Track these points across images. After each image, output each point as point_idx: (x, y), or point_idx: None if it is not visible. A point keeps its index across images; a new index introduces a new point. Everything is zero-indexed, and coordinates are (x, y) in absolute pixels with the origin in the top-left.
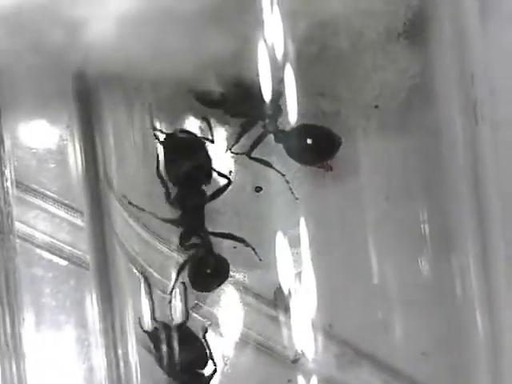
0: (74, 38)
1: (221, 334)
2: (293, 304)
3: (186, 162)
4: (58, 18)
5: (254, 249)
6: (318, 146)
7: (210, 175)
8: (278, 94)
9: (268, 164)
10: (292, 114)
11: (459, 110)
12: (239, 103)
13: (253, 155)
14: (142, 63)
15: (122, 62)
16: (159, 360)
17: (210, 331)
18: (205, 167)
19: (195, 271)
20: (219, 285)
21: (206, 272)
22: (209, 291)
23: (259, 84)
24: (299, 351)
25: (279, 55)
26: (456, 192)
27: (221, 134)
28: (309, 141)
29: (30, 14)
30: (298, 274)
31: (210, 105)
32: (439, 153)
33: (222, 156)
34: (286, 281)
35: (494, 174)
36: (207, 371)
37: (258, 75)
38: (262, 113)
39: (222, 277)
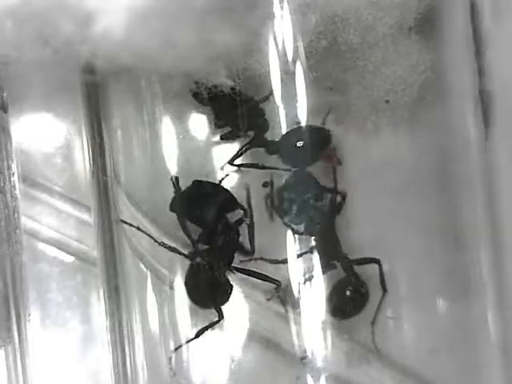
0: (83, 31)
1: (229, 331)
2: (302, 301)
3: (211, 208)
4: (67, 10)
5: (280, 297)
6: (309, 145)
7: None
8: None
9: (257, 166)
10: (301, 109)
11: (471, 105)
12: (227, 113)
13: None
14: (151, 56)
15: (131, 55)
16: None
17: (217, 329)
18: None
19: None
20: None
21: (206, 289)
22: (202, 308)
23: (250, 97)
24: (308, 348)
25: (289, 49)
26: (468, 187)
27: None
28: (299, 143)
29: (39, 6)
30: (308, 271)
31: (210, 104)
32: (451, 148)
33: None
34: (296, 277)
35: (507, 169)
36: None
37: (267, 69)
38: (250, 126)
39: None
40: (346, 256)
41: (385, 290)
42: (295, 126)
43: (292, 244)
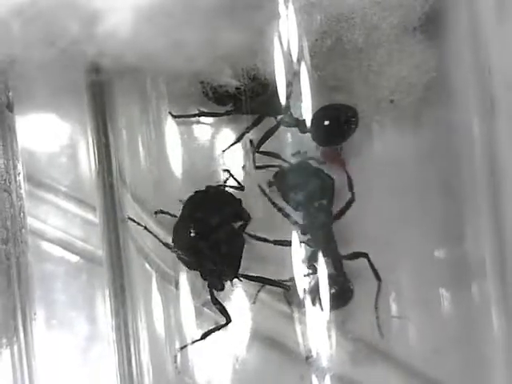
0: (89, 30)
1: (233, 330)
2: (306, 300)
3: (217, 216)
4: (73, 10)
5: (285, 297)
6: (342, 123)
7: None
8: (291, 87)
9: (278, 156)
10: (306, 108)
11: (475, 105)
12: (256, 99)
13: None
14: (157, 55)
15: (137, 55)
16: None
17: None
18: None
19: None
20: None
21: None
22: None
23: (275, 78)
24: (312, 348)
25: (294, 49)
26: (472, 187)
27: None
28: (329, 122)
29: (46, 6)
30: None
31: (219, 102)
32: (455, 148)
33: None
34: (300, 277)
35: None
36: None
37: (272, 69)
38: (280, 108)
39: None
40: (338, 253)
41: (379, 279)
42: (325, 105)
43: (297, 241)
